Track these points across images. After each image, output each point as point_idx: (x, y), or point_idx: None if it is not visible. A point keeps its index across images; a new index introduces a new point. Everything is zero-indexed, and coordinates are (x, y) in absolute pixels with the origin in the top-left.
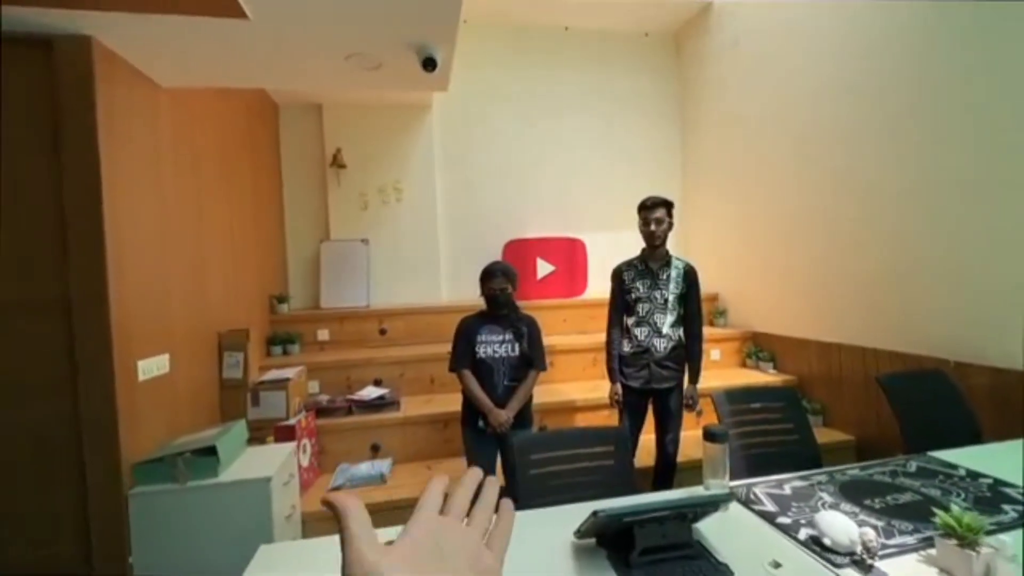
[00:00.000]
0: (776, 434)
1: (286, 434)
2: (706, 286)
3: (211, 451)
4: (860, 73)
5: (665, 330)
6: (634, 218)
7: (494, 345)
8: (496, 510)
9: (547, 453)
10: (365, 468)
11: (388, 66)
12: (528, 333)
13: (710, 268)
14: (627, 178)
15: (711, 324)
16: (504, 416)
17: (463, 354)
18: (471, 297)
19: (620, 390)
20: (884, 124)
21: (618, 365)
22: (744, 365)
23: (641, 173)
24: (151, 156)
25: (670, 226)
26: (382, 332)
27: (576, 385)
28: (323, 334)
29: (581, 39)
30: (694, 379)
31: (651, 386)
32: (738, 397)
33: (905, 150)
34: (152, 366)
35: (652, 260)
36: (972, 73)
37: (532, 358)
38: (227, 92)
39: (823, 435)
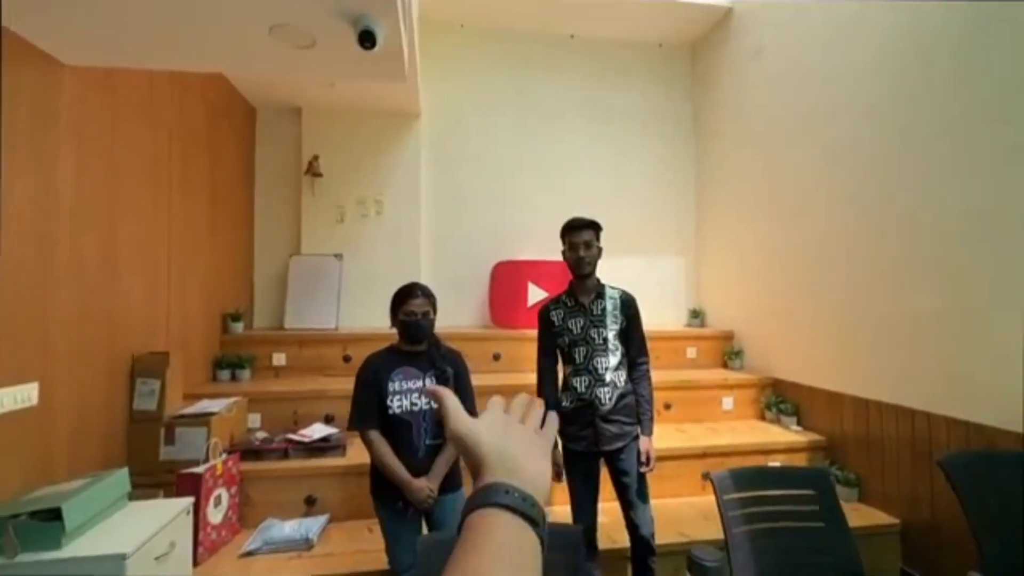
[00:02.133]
0: (801, 536)
1: (190, 485)
2: (719, 322)
3: (55, 514)
4: (903, 84)
5: (609, 376)
6: (639, 244)
7: (412, 396)
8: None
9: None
10: (289, 529)
11: (323, 44)
12: (456, 375)
13: (726, 302)
14: (633, 200)
15: (724, 366)
16: (426, 491)
17: (370, 409)
18: (455, 322)
19: (560, 458)
20: (932, 143)
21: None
22: (763, 418)
23: (649, 195)
24: (40, 145)
25: (599, 252)
26: (346, 359)
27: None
28: (279, 359)
29: (588, 48)
30: (647, 431)
31: (599, 448)
32: (749, 480)
33: (960, 172)
34: (5, 398)
35: (581, 293)
36: None
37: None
38: (180, 88)
39: (859, 515)
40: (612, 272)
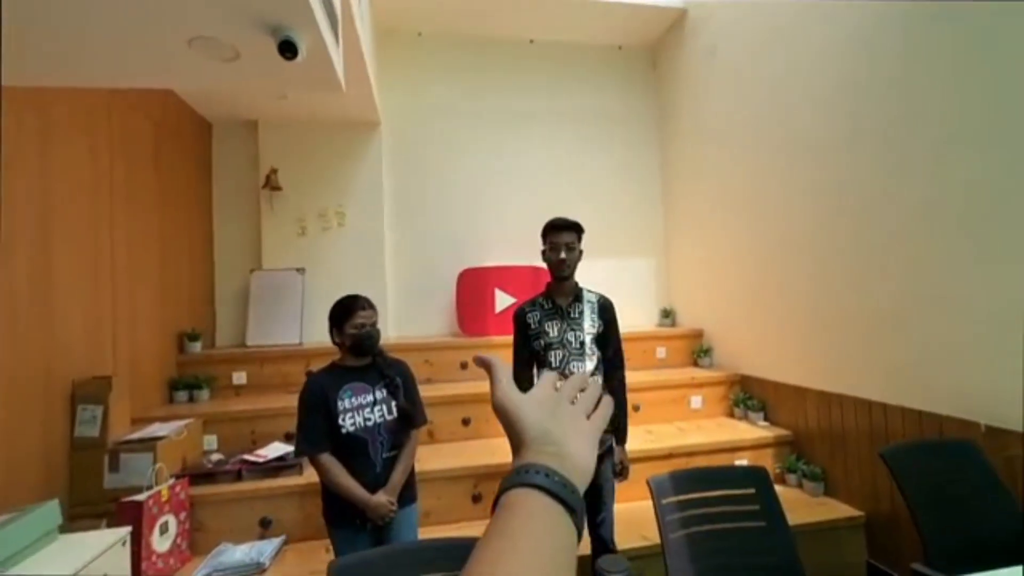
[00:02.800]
0: (740, 537)
1: (129, 513)
2: (690, 321)
3: None
4: (850, 80)
5: None
6: (607, 244)
7: (364, 411)
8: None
9: None
10: (241, 553)
11: (248, 56)
12: (405, 384)
13: (695, 301)
14: (600, 203)
15: (694, 364)
16: (386, 505)
17: (319, 432)
18: (423, 332)
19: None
20: (878, 138)
21: None
22: (731, 415)
23: (616, 197)
24: None
25: (580, 254)
26: (309, 375)
27: None
28: (239, 377)
29: (548, 53)
30: (621, 439)
31: None
32: (688, 482)
33: (913, 161)
34: None
35: (560, 295)
36: (989, 67)
37: (411, 414)
38: (120, 106)
39: (824, 509)
40: (583, 275)
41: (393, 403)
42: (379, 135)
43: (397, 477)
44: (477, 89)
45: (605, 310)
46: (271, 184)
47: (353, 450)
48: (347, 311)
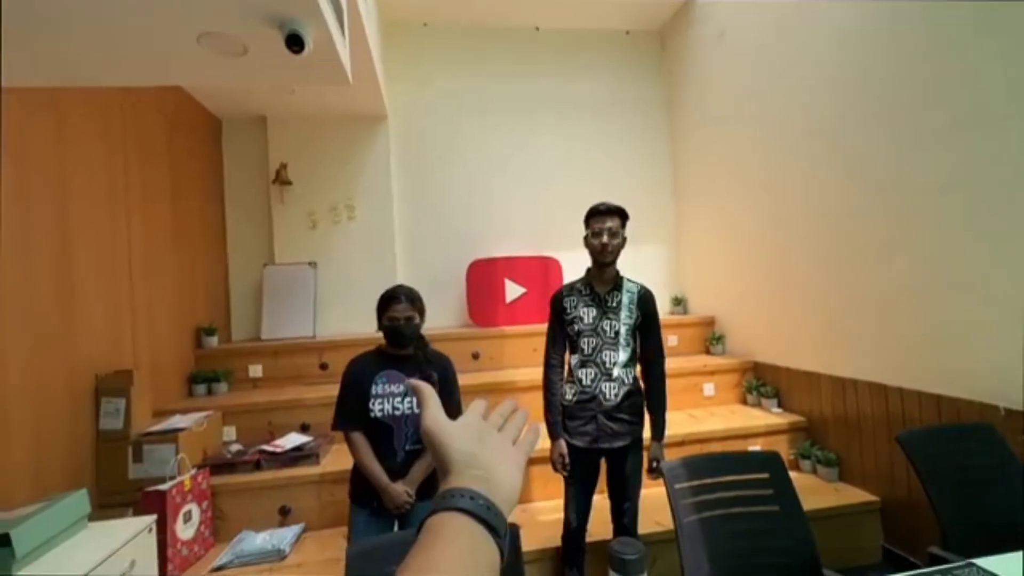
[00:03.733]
0: (754, 521)
1: (154, 503)
2: (702, 308)
3: (4, 540)
4: (865, 58)
5: (616, 372)
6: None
7: (394, 400)
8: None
9: None
10: (262, 540)
11: (256, 51)
12: (442, 379)
13: (707, 288)
14: (610, 191)
15: (707, 352)
16: (403, 495)
17: (353, 410)
18: (434, 323)
19: (565, 449)
20: (894, 116)
21: (561, 418)
22: (744, 401)
23: (626, 185)
24: None
25: (624, 241)
26: (323, 367)
27: (539, 430)
28: (255, 370)
29: (554, 40)
30: (658, 435)
31: (599, 445)
32: (702, 468)
33: (928, 142)
34: None
35: (599, 283)
36: (1009, 43)
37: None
38: (133, 103)
39: (839, 494)
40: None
41: None
42: (387, 128)
43: (418, 471)
44: (484, 79)
45: (645, 302)
46: (281, 179)
47: (378, 436)
48: (385, 303)
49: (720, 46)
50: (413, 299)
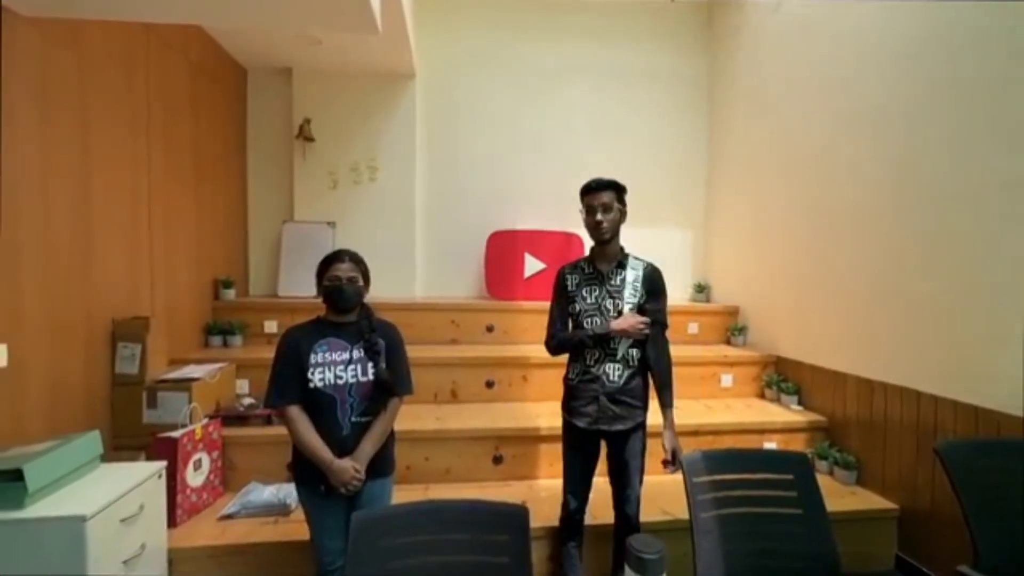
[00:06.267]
0: (775, 522)
1: (165, 449)
2: (725, 297)
3: (18, 475)
4: (932, 40)
5: (620, 352)
6: (644, 214)
7: (336, 368)
8: None
9: (405, 538)
10: (269, 493)
11: None
12: (389, 348)
13: (733, 277)
14: (640, 168)
15: (727, 342)
16: (350, 471)
17: (288, 383)
18: (449, 292)
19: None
20: (958, 107)
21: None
22: (762, 396)
23: (657, 162)
24: None
25: (622, 216)
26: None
27: (548, 407)
28: (271, 326)
29: (593, 5)
30: (670, 424)
31: (599, 427)
32: (724, 463)
33: (987, 140)
34: None
35: (601, 260)
36: None
37: (392, 382)
38: (158, 46)
39: (856, 499)
40: None
41: (370, 365)
42: (413, 88)
43: (368, 445)
44: (516, 43)
45: (651, 280)
46: (304, 135)
47: (319, 408)
48: (326, 263)
49: (775, 18)
50: (357, 260)
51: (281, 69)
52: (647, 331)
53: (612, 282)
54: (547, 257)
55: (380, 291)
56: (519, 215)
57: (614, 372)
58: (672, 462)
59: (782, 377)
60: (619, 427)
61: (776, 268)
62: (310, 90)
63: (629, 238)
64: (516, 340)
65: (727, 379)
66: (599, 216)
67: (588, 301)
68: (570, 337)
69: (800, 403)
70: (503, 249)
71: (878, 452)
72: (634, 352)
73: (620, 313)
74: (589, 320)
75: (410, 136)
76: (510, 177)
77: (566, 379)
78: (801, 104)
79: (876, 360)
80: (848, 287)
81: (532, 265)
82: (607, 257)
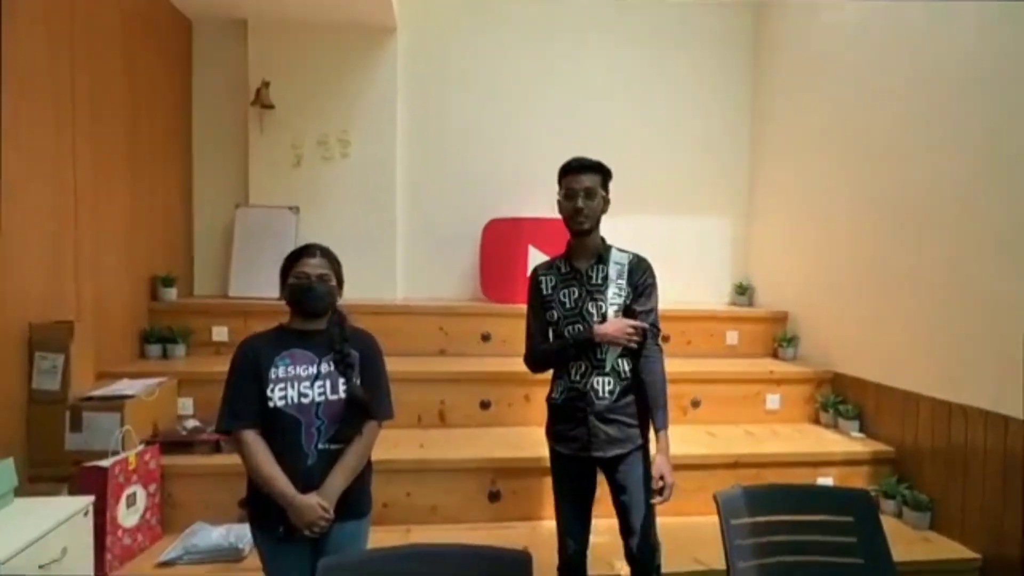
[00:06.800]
0: (833, 574)
1: (93, 481)
2: (772, 301)
3: None
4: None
5: (609, 363)
6: (673, 200)
7: (300, 384)
8: None
9: None
10: (217, 535)
11: None
12: (364, 360)
13: (781, 277)
14: (669, 145)
15: (774, 355)
16: (316, 509)
17: (243, 403)
18: (437, 293)
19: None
20: None
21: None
22: (817, 421)
23: (691, 139)
24: None
25: (605, 204)
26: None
27: None
28: (220, 333)
29: None
30: (664, 447)
31: (591, 453)
32: (768, 501)
33: None
34: None
35: (579, 256)
36: None
37: (367, 401)
38: None
39: (929, 546)
40: (638, 233)
41: (341, 383)
42: (394, 46)
43: (338, 478)
44: None
45: (636, 272)
46: (262, 101)
47: (280, 432)
48: (293, 258)
49: None
50: (331, 257)
51: (234, 20)
52: (637, 338)
53: (593, 280)
54: (553, 249)
55: (354, 292)
56: (522, 200)
57: (603, 387)
58: (660, 491)
59: (840, 398)
60: (614, 452)
61: (834, 267)
62: (269, 47)
63: (654, 227)
64: (517, 351)
65: (773, 400)
66: (580, 202)
67: (567, 306)
68: (551, 348)
69: (862, 430)
70: (502, 241)
71: (957, 490)
72: (624, 363)
73: (604, 317)
74: (570, 328)
75: (390, 104)
76: (511, 153)
77: (549, 399)
78: (869, 75)
79: (955, 378)
80: (922, 293)
81: (537, 260)
82: (586, 251)
